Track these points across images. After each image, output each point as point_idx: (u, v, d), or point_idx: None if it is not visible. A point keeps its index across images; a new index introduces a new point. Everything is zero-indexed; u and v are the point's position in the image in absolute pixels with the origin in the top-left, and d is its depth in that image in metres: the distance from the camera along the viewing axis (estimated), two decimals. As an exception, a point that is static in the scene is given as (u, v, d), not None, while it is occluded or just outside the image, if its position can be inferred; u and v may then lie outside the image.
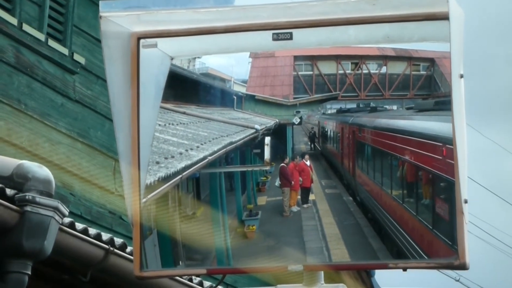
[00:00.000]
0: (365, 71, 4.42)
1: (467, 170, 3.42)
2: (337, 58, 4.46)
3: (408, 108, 4.54)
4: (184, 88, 4.30)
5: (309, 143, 4.93)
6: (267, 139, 4.31)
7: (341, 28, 3.60)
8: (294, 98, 4.51)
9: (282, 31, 3.62)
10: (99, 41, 8.01)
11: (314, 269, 3.69)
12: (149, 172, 3.76)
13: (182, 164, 4.43)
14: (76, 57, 9.43)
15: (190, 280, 7.50)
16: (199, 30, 3.65)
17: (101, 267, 6.48)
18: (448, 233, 3.62)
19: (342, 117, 4.91)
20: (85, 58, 9.56)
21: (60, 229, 5.85)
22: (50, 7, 9.19)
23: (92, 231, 6.44)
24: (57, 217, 5.68)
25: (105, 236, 6.55)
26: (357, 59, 4.45)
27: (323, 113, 4.88)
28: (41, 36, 8.97)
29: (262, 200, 4.53)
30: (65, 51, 9.28)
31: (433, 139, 4.15)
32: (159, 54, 3.74)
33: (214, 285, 7.89)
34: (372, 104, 4.63)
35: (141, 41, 3.67)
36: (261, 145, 4.34)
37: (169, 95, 4.03)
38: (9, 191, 5.61)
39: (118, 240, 6.68)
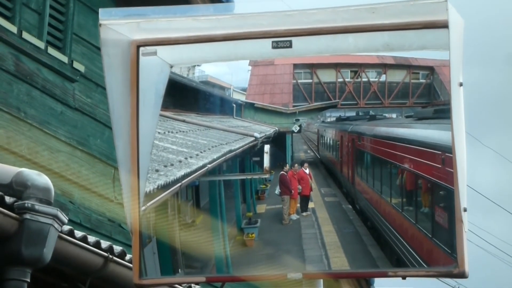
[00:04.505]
0: (365, 79, 4.43)
1: (466, 178, 3.42)
2: (337, 66, 4.46)
3: (407, 116, 4.54)
4: (183, 96, 4.30)
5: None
6: (267, 147, 4.31)
7: (341, 36, 3.60)
8: (294, 106, 4.52)
9: (281, 39, 3.62)
10: (98, 49, 7.99)
11: (314, 277, 3.68)
12: (149, 180, 3.76)
13: (182, 172, 4.43)
14: (76, 65, 9.42)
15: (189, 288, 7.50)
16: (198, 38, 3.65)
17: (100, 275, 6.47)
18: (447, 241, 3.62)
19: (342, 125, 4.92)
20: (85, 66, 9.55)
21: (59, 237, 5.84)
22: (50, 15, 9.19)
23: (92, 239, 6.43)
24: (56, 225, 5.68)
25: (104, 244, 6.54)
26: (357, 67, 4.45)
27: (323, 121, 4.89)
28: (41, 44, 8.96)
29: (261, 208, 4.53)
30: (64, 59, 9.28)
31: (433, 148, 4.15)
32: (159, 62, 3.74)
33: (213, 293, 7.87)
34: (371, 112, 4.63)
35: (141, 49, 3.67)
36: (260, 153, 4.34)
37: (169, 103, 4.03)
38: (8, 199, 5.60)
39: (117, 248, 6.67)
